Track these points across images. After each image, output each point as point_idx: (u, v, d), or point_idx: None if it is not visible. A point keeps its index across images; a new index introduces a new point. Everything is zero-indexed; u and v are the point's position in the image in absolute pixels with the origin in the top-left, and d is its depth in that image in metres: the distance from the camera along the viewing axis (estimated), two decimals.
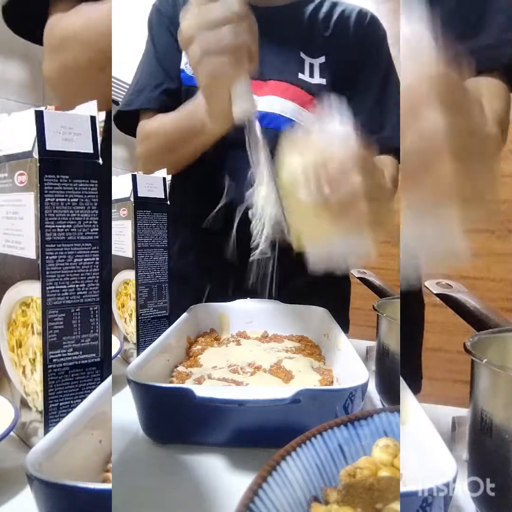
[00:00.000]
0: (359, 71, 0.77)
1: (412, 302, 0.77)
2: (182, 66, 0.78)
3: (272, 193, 0.51)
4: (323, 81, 0.76)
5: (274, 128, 0.73)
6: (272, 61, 0.75)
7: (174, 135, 0.72)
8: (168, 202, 0.66)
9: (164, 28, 0.79)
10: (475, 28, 0.54)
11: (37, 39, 0.61)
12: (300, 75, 0.75)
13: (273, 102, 0.74)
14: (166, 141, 0.74)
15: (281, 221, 0.51)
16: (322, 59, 0.77)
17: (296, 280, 0.74)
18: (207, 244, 0.79)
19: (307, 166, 0.40)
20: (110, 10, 0.52)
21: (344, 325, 0.85)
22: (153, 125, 0.76)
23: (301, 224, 0.46)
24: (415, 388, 0.74)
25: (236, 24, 0.48)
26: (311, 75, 0.76)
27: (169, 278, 0.67)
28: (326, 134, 0.41)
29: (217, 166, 0.77)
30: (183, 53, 0.76)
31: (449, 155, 0.27)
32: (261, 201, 0.53)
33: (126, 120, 0.80)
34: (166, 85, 0.77)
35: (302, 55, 0.76)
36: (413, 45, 0.27)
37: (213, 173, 0.78)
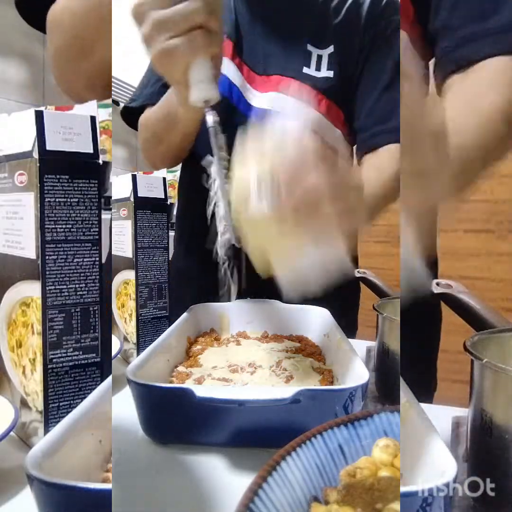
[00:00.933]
0: (369, 57, 0.73)
1: (427, 306, 0.76)
2: None
3: (222, 202, 0.48)
4: (330, 74, 0.72)
5: None
6: (276, 55, 0.73)
7: (158, 124, 0.71)
8: (169, 201, 0.66)
9: None
10: (491, 8, 0.51)
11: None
12: (305, 70, 0.72)
13: (275, 99, 0.72)
14: (153, 130, 0.73)
15: (233, 235, 0.48)
16: (331, 49, 0.73)
17: None
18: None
19: (257, 174, 0.36)
20: None
21: (352, 327, 0.84)
22: (145, 116, 0.75)
23: (265, 244, 0.39)
24: (428, 397, 0.74)
25: (191, 0, 0.43)
26: (318, 68, 0.73)
27: (174, 278, 0.67)
28: (276, 135, 0.36)
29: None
30: None
31: None
32: (220, 209, 0.50)
33: (134, 116, 0.80)
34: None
35: (309, 47, 0.73)
36: None
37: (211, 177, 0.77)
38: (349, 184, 0.39)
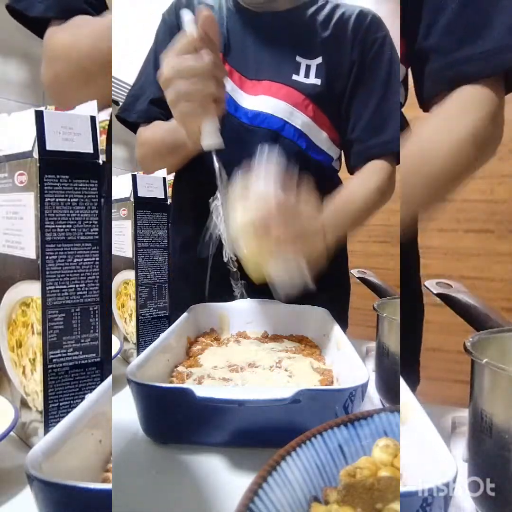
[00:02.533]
0: (359, 73, 0.78)
1: (412, 301, 0.77)
2: None
3: (223, 224, 0.63)
4: (317, 82, 0.77)
5: (266, 127, 0.75)
6: (268, 63, 0.77)
7: (162, 146, 0.77)
8: (169, 201, 0.66)
9: (167, 39, 0.80)
10: (477, 33, 0.53)
11: (40, 34, 0.65)
12: (294, 77, 0.76)
13: (265, 102, 0.76)
14: (156, 149, 0.79)
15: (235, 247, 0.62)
16: (319, 59, 0.77)
17: None
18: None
19: (244, 222, 0.57)
20: (95, 31, 0.59)
21: (343, 325, 0.85)
22: (147, 133, 0.80)
23: (257, 262, 0.60)
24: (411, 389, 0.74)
25: (206, 76, 0.57)
26: (307, 75, 0.77)
27: (171, 274, 0.67)
28: (253, 195, 0.57)
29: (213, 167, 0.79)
30: None
31: None
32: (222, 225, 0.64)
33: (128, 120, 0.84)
34: (160, 95, 0.78)
35: (299, 58, 0.78)
36: None
37: (211, 173, 0.78)
38: (309, 227, 0.60)
